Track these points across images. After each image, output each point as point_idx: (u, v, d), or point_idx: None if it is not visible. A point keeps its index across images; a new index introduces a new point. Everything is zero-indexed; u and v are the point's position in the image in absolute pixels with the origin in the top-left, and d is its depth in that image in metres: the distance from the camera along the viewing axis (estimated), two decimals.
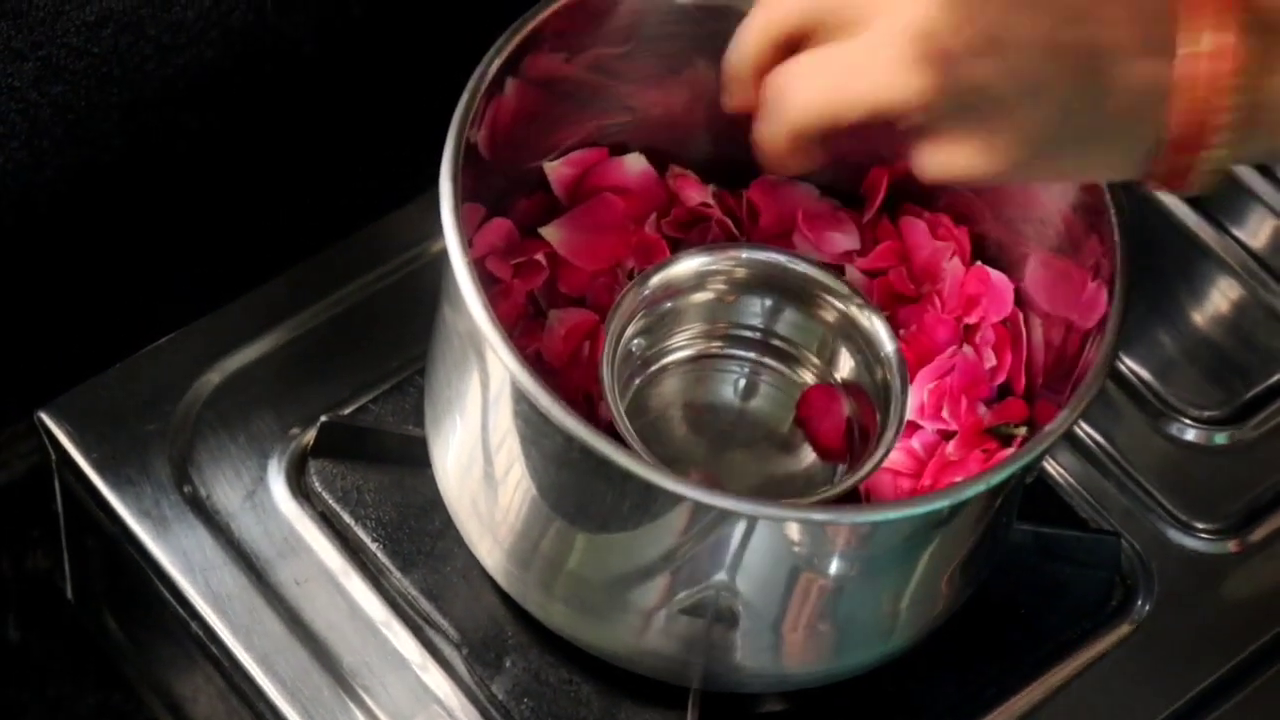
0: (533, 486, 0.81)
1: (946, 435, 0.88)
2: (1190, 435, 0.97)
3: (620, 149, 0.91)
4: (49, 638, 1.04)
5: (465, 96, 0.81)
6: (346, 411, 0.92)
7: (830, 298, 0.88)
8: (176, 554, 0.89)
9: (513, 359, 0.76)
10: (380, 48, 1.03)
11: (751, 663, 0.83)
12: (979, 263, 0.90)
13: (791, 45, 0.75)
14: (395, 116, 1.07)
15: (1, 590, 1.04)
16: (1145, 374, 0.99)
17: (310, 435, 0.91)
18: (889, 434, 0.85)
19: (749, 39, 0.77)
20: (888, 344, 0.87)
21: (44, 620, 1.04)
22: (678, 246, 0.90)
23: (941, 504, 0.79)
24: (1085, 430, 0.96)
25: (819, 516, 0.79)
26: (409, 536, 0.90)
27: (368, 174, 1.08)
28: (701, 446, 0.89)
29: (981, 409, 0.88)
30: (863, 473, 0.85)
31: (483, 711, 0.87)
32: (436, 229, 0.92)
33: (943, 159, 0.72)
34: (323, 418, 0.91)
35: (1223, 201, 1.04)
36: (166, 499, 0.90)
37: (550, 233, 0.89)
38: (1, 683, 1.03)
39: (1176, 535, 0.94)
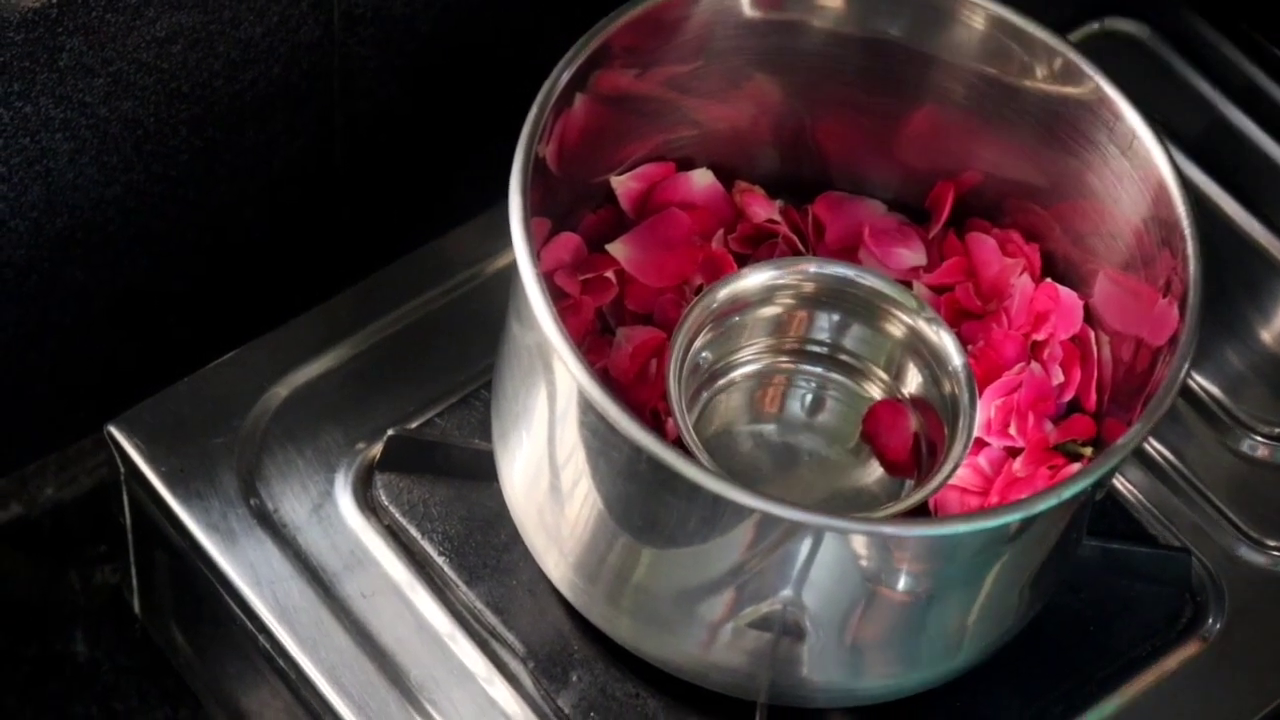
0: (599, 500, 0.81)
1: (1013, 452, 0.88)
2: (1260, 452, 0.97)
3: (686, 164, 0.91)
4: (117, 652, 1.04)
5: (534, 110, 0.81)
6: (412, 425, 0.92)
7: (898, 312, 0.88)
8: (244, 567, 0.89)
9: (581, 370, 0.76)
10: (446, 65, 1.04)
11: (819, 677, 0.83)
12: (1048, 279, 0.90)
13: None
14: (460, 134, 1.07)
15: (69, 605, 1.05)
16: (1215, 390, 0.98)
17: (376, 449, 0.91)
18: (957, 448, 0.85)
19: None
20: (956, 358, 0.87)
21: (112, 635, 1.04)
22: (744, 263, 0.90)
23: (1012, 518, 0.78)
24: (1155, 447, 0.96)
25: (889, 530, 0.78)
26: (475, 550, 0.90)
27: (433, 190, 1.08)
28: (768, 461, 0.89)
29: (1048, 426, 0.88)
30: (931, 487, 0.84)
31: None
32: (500, 245, 0.93)
33: None
34: (389, 431, 0.91)
35: None
36: (234, 512, 0.90)
37: (618, 249, 0.89)
38: (69, 698, 1.04)
39: (1247, 552, 0.94)
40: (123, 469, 0.93)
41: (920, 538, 0.78)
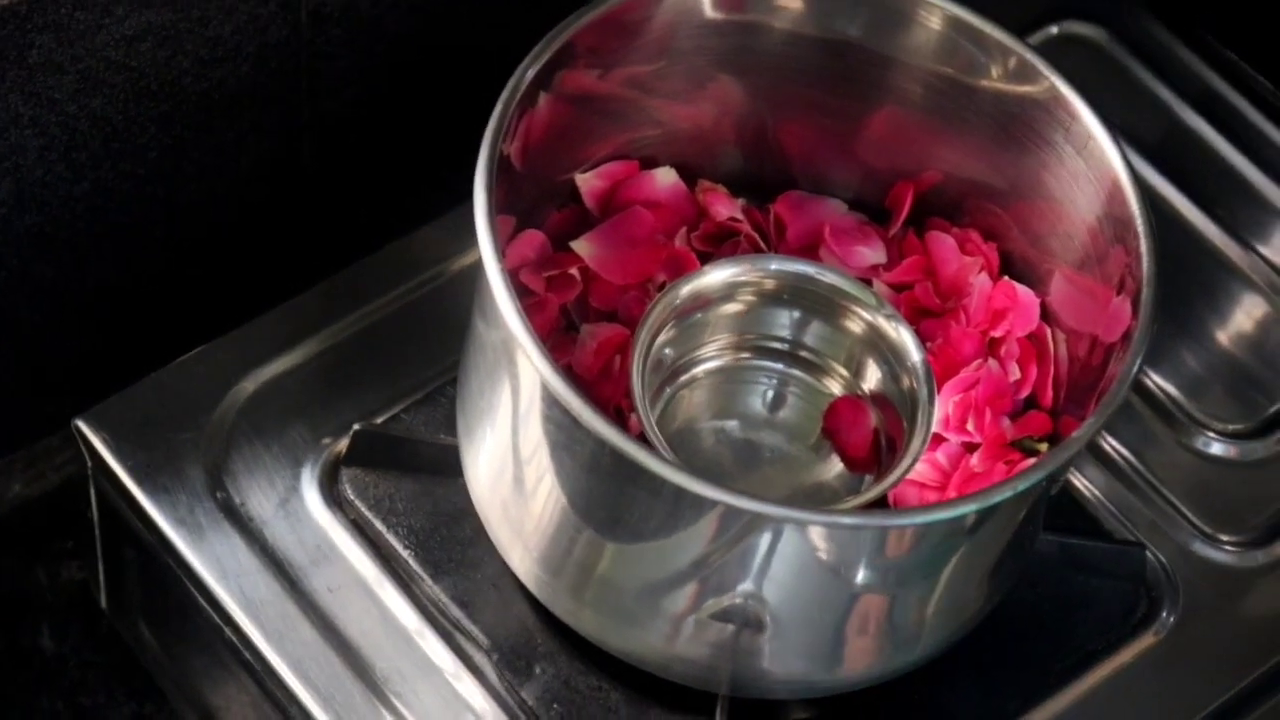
0: (563, 495, 0.82)
1: (971, 448, 0.89)
2: (1216, 449, 0.98)
3: (650, 163, 0.92)
4: (83, 648, 1.05)
5: (499, 107, 0.82)
6: (378, 421, 0.93)
7: (858, 309, 0.89)
8: (210, 561, 0.90)
9: (544, 363, 0.77)
10: (413, 65, 1.04)
11: (779, 669, 0.84)
12: (1006, 278, 0.91)
13: None
14: (427, 133, 1.08)
15: (36, 601, 1.05)
16: (1171, 389, 0.99)
17: (343, 444, 0.92)
18: (916, 443, 0.86)
19: None
20: (915, 354, 0.88)
21: (79, 631, 1.05)
22: (707, 261, 0.91)
23: (968, 509, 0.79)
24: (1111, 444, 0.97)
25: (847, 521, 0.79)
26: (440, 544, 0.90)
27: (400, 188, 1.09)
28: (729, 457, 0.89)
29: (1005, 422, 0.89)
30: (890, 481, 0.85)
31: (513, 718, 0.88)
32: (467, 243, 0.94)
33: None
34: (355, 426, 0.92)
35: (1247, 218, 1.04)
36: (201, 506, 0.91)
37: (581, 246, 0.90)
38: (35, 693, 1.04)
39: (1202, 547, 0.95)
40: (90, 463, 0.93)
41: (878, 529, 0.79)
